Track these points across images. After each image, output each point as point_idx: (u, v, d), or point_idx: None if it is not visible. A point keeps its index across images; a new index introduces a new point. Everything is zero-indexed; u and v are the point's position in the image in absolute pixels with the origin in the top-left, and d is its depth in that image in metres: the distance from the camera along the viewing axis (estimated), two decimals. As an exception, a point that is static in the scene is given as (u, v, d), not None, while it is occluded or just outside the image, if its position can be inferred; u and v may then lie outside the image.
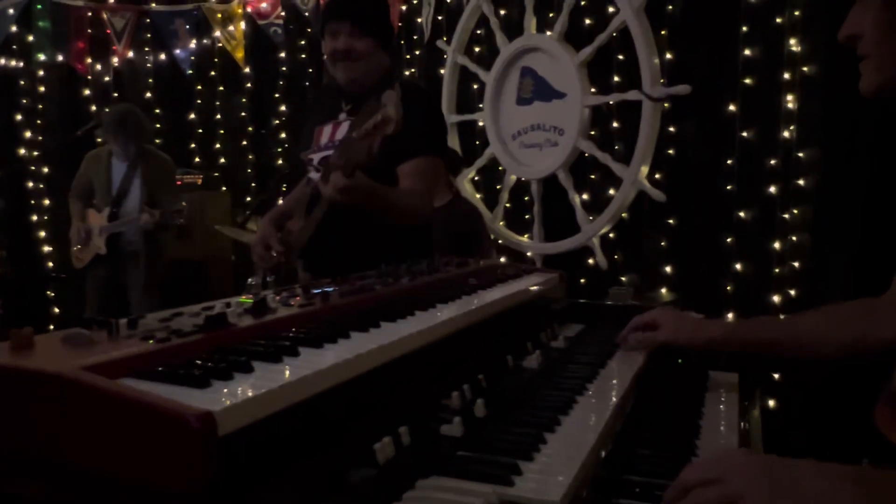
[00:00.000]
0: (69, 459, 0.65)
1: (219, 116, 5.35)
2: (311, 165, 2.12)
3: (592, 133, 3.54)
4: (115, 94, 5.04)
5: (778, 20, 2.85)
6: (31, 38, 4.82)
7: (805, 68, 2.76)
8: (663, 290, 3.21)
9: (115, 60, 5.04)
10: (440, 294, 1.30)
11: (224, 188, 5.16)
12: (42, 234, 4.93)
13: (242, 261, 4.76)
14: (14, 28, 4.71)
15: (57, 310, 4.84)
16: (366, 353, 0.87)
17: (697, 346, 1.37)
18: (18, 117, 4.90)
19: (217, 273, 4.65)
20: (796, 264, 2.83)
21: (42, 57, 4.86)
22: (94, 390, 0.64)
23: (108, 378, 0.67)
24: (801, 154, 2.82)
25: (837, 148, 2.71)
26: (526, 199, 3.89)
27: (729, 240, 3.01)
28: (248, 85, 5.32)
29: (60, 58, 4.90)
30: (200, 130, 5.33)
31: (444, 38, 4.24)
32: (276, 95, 5.35)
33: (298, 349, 0.83)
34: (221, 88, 5.33)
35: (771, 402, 2.79)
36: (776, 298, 2.86)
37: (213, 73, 5.29)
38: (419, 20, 4.43)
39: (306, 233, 1.91)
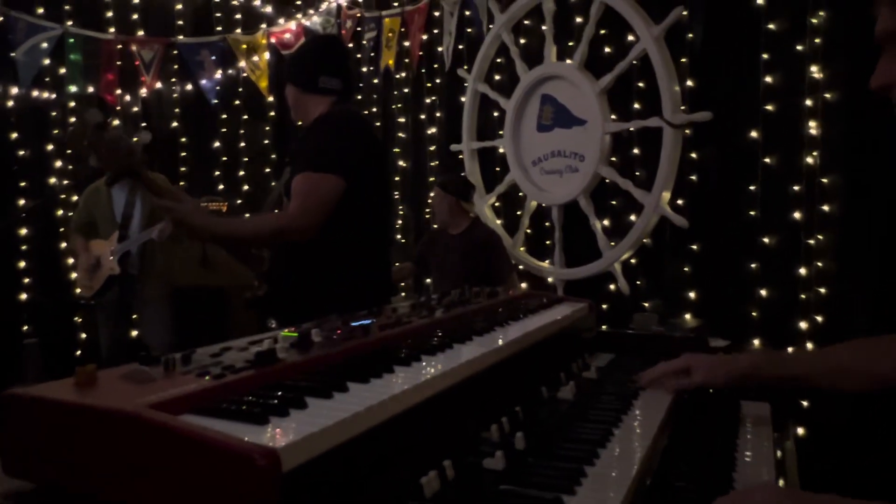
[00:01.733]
0: (135, 497, 0.68)
1: (243, 144, 5.45)
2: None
3: (613, 159, 3.56)
4: (143, 125, 5.15)
5: (799, 47, 2.87)
6: (62, 70, 4.96)
7: (827, 95, 2.77)
8: (687, 316, 3.20)
9: (143, 91, 5.16)
10: (475, 326, 1.32)
11: (247, 215, 5.23)
12: (70, 261, 5.02)
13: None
14: (47, 61, 4.85)
15: (84, 335, 4.91)
16: (412, 387, 0.89)
17: (734, 382, 1.37)
18: (49, 147, 5.03)
19: (240, 301, 4.69)
20: (822, 290, 2.82)
21: (73, 89, 4.98)
22: (160, 428, 0.67)
23: (171, 415, 0.69)
24: (824, 180, 2.82)
25: (861, 174, 2.71)
26: (546, 224, 3.91)
27: (753, 265, 3.00)
28: (272, 113, 5.43)
29: (91, 89, 5.03)
30: (225, 158, 5.43)
31: (465, 67, 4.30)
32: (299, 123, 5.44)
33: (347, 384, 0.86)
34: (245, 117, 5.43)
35: (800, 430, 2.77)
36: (803, 325, 2.84)
37: (237, 101, 5.40)
38: (440, 49, 4.50)
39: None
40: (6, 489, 0.73)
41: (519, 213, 4.04)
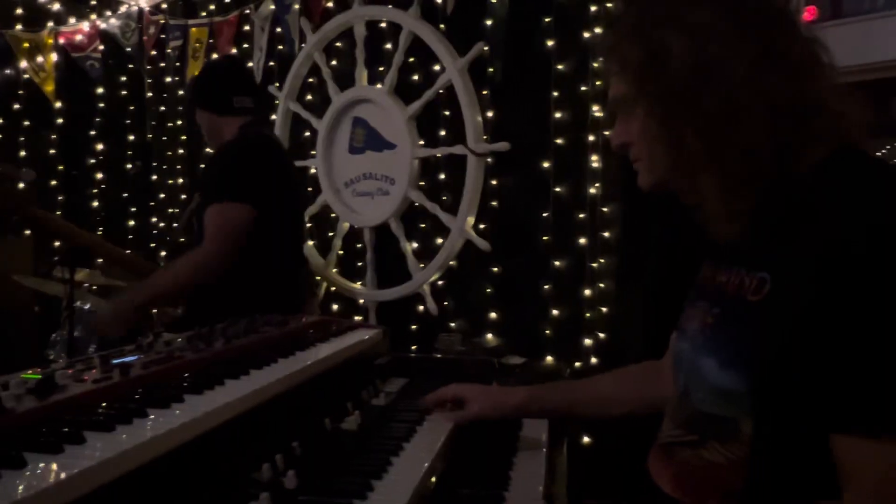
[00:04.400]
0: None
1: (23, 153, 4.88)
2: None
3: (422, 184, 3.66)
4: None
5: (583, 88, 3.15)
6: None
7: (606, 132, 3.06)
8: (489, 336, 3.36)
9: None
10: (256, 358, 1.27)
11: (27, 232, 4.69)
12: None
13: (48, 313, 4.33)
14: None
15: None
16: (164, 433, 0.83)
17: (508, 415, 1.44)
18: None
19: (17, 327, 4.18)
20: (604, 309, 3.09)
21: None
22: None
23: None
24: (605, 209, 3.10)
25: (636, 204, 3.01)
26: (359, 246, 3.91)
27: (546, 287, 3.22)
28: (60, 120, 4.92)
29: None
30: (-1, 169, 4.82)
31: (277, 84, 4.21)
32: (92, 133, 4.99)
33: (84, 435, 0.78)
34: (27, 123, 4.88)
35: (586, 439, 2.99)
36: (587, 341, 3.09)
37: (17, 105, 4.84)
38: (250, 64, 4.37)
39: None
40: None
41: (331, 234, 4.00)
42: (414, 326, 3.60)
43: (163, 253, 4.73)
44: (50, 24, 4.79)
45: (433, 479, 1.16)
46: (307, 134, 4.11)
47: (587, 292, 3.10)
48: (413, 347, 3.53)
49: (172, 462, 0.84)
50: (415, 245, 3.66)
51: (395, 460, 1.15)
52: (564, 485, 1.44)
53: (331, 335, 1.62)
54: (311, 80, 4.11)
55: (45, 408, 0.86)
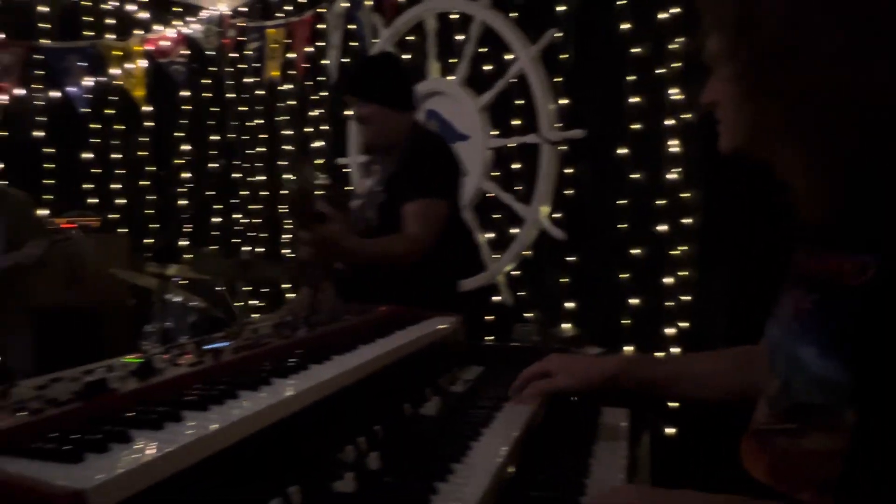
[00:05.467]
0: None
1: (117, 155, 5.16)
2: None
3: (495, 174, 3.65)
4: (5, 133, 4.78)
5: (659, 71, 3.06)
6: None
7: (686, 115, 2.97)
8: (566, 326, 3.32)
9: (2, 98, 4.79)
10: (338, 344, 1.30)
11: (125, 230, 4.97)
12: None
13: (142, 306, 4.57)
14: None
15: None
16: (254, 414, 0.87)
17: (595, 386, 1.36)
18: None
19: (114, 320, 4.44)
20: (686, 298, 3.00)
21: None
22: (-47, 473, 0.61)
23: (-29, 458, 0.64)
24: (685, 195, 3.01)
25: (719, 189, 2.91)
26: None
27: (624, 276, 3.16)
28: (149, 123, 5.18)
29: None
30: (100, 170, 5.12)
31: (350, 81, 4.28)
32: (179, 134, 5.23)
33: (182, 414, 0.82)
34: (120, 127, 5.16)
35: (671, 430, 2.92)
36: (669, 331, 3.01)
37: (110, 110, 5.12)
38: (325, 62, 4.47)
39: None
40: None
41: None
42: (489, 317, 3.60)
43: (245, 248, 4.91)
44: (139, 32, 5.04)
45: (512, 464, 1.16)
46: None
47: (667, 280, 3.02)
48: (480, 343, 3.54)
49: (261, 441, 0.88)
50: (489, 236, 3.65)
51: (474, 445, 1.16)
52: (647, 475, 1.41)
53: (408, 323, 1.64)
54: (383, 74, 4.16)
55: (146, 389, 0.91)
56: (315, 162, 4.65)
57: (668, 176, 3.03)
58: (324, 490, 0.91)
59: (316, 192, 2.08)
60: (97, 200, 5.10)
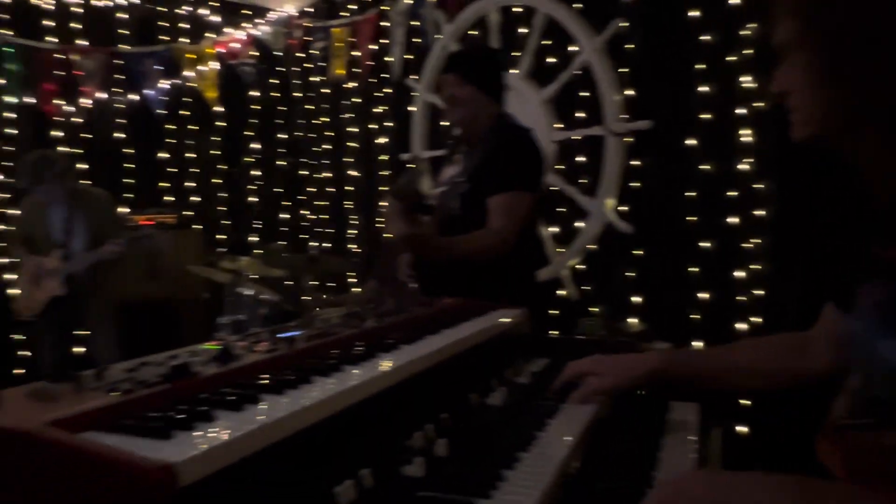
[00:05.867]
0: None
1: (191, 155, 5.37)
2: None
3: (560, 167, 3.62)
4: (88, 136, 5.04)
5: (730, 58, 2.97)
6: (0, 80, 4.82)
7: (758, 104, 2.87)
8: (632, 320, 3.27)
9: (85, 101, 5.05)
10: (405, 335, 1.33)
11: (199, 226, 5.17)
12: (8, 276, 4.86)
13: (216, 300, 4.75)
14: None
15: (29, 353, 4.75)
16: (327, 398, 0.90)
17: (641, 381, 1.35)
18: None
19: (190, 312, 4.63)
20: (758, 292, 2.90)
21: (12, 99, 4.84)
22: (55, 445, 0.66)
23: (71, 433, 0.69)
24: (758, 186, 2.91)
25: (791, 179, 2.81)
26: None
27: (693, 269, 3.08)
28: (220, 123, 5.37)
29: (31, 100, 4.89)
30: (176, 169, 5.35)
31: (415, 77, 4.33)
32: (248, 133, 5.40)
33: (260, 396, 0.86)
34: (193, 127, 5.36)
35: (744, 429, 2.84)
36: (741, 326, 2.93)
37: (184, 112, 5.32)
38: (389, 59, 4.52)
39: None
40: None
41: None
42: (554, 311, 3.58)
43: (313, 243, 5.03)
44: (210, 35, 5.22)
45: (578, 455, 1.16)
46: (445, 124, 4.19)
47: (739, 274, 2.93)
48: (545, 336, 3.51)
49: (333, 425, 0.91)
50: (554, 229, 3.63)
51: (539, 435, 1.16)
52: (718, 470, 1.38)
53: (474, 315, 1.65)
54: (446, 70, 4.18)
55: (226, 373, 0.96)
56: (379, 158, 4.72)
57: (740, 166, 2.94)
58: (394, 474, 0.94)
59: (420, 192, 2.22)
60: (173, 198, 5.32)
